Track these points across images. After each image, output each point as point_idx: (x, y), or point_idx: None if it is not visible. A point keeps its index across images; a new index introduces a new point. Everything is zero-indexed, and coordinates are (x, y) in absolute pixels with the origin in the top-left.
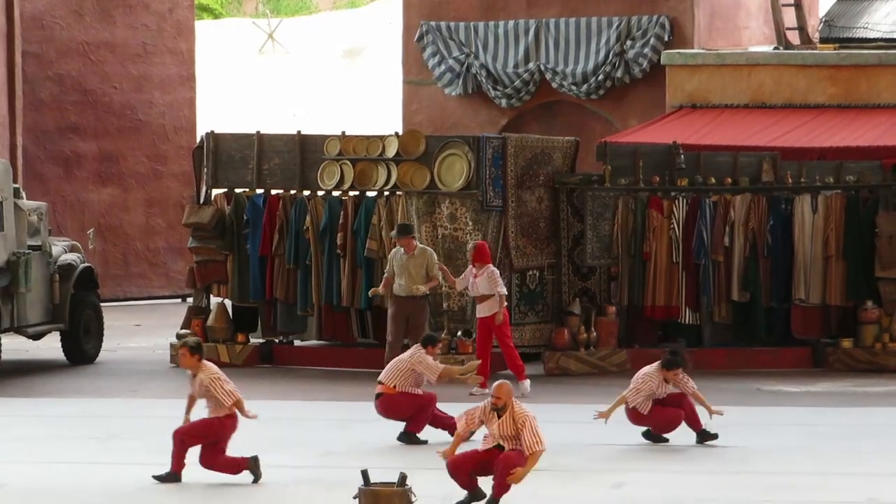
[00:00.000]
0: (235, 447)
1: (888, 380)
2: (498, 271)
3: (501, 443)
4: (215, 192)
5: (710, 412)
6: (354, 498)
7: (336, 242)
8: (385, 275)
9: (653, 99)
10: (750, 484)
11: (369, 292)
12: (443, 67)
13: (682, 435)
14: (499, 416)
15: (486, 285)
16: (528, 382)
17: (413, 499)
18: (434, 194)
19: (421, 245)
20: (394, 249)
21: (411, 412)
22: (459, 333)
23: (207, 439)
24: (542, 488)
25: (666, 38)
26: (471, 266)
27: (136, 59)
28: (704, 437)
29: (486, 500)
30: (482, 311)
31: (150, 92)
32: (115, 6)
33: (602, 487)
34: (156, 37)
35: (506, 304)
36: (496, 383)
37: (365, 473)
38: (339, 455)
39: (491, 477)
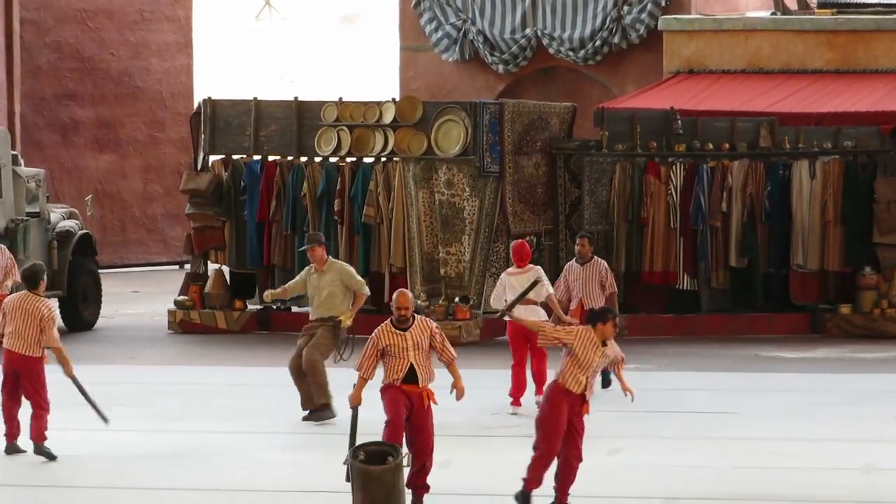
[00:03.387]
0: (230, 413)
1: (886, 346)
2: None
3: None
4: (213, 158)
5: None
6: (344, 464)
7: (333, 209)
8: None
9: (650, 64)
10: (747, 450)
11: (265, 295)
12: (440, 33)
13: (677, 401)
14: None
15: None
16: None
17: (405, 462)
18: (431, 160)
19: (331, 259)
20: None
21: None
22: (457, 300)
23: None
24: None
25: (663, 4)
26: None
27: (133, 25)
28: None
29: None
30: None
31: (148, 59)
32: None
33: (599, 454)
34: (153, 4)
35: None
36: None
37: (356, 451)
38: (336, 420)
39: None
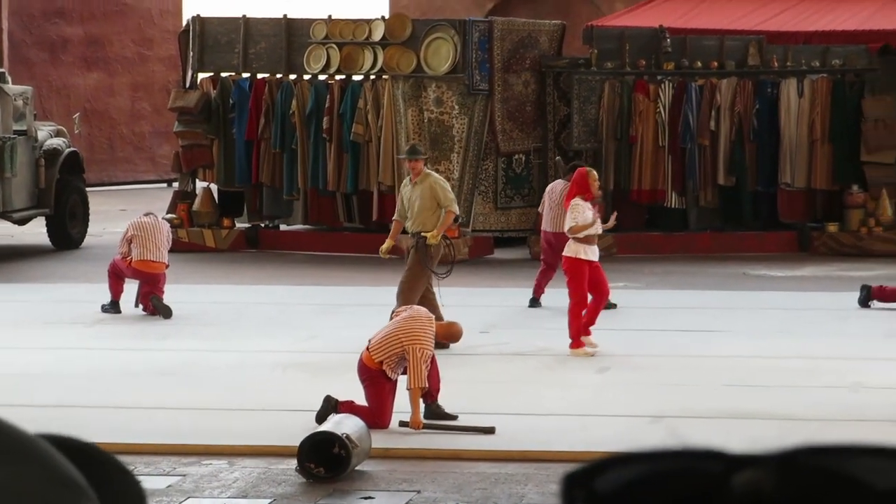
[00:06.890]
0: (218, 332)
1: (873, 264)
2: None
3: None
4: (201, 76)
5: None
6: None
7: (322, 126)
8: (395, 217)
9: None
10: (735, 367)
11: (381, 251)
12: None
13: (665, 319)
14: None
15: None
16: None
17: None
18: (420, 78)
19: (427, 171)
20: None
21: None
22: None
23: None
24: (527, 372)
25: None
26: (582, 197)
27: None
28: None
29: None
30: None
31: None
32: None
33: (587, 372)
34: None
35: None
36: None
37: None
38: (324, 340)
39: None
